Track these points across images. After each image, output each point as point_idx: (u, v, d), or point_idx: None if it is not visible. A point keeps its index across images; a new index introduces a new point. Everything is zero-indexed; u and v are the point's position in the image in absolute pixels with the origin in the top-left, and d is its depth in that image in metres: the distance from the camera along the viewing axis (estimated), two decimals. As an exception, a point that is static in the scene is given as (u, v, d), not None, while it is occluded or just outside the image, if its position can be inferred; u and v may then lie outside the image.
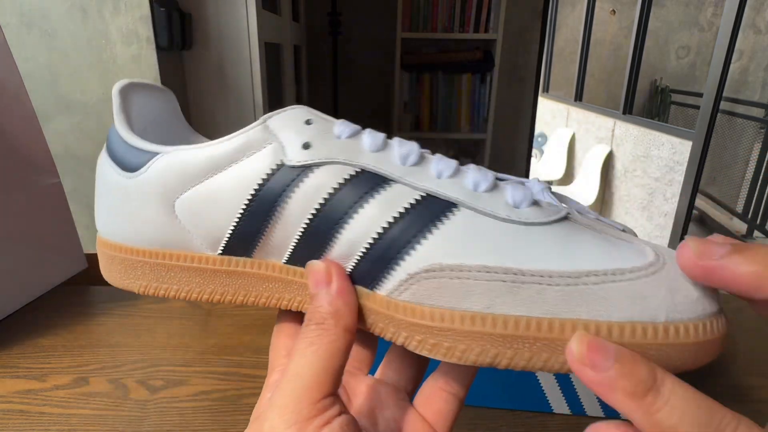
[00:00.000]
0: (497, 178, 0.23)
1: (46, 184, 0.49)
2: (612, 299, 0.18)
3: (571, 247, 0.19)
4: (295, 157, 0.21)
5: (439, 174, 0.21)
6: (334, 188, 0.21)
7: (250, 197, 0.22)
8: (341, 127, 0.22)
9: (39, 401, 0.37)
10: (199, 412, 0.37)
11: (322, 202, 0.21)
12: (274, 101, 1.35)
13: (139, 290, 0.25)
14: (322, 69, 2.48)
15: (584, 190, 3.41)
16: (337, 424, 0.19)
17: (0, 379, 0.40)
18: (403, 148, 0.22)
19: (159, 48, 0.92)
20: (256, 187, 0.21)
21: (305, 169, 0.21)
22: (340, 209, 0.21)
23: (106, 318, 0.48)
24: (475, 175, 0.21)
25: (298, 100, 1.98)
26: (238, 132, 0.22)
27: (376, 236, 0.20)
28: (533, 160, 4.27)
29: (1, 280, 0.46)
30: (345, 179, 0.21)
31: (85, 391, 0.38)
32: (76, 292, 0.53)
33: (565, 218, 0.20)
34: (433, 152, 0.23)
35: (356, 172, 0.21)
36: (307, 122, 0.22)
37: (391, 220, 0.20)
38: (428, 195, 0.20)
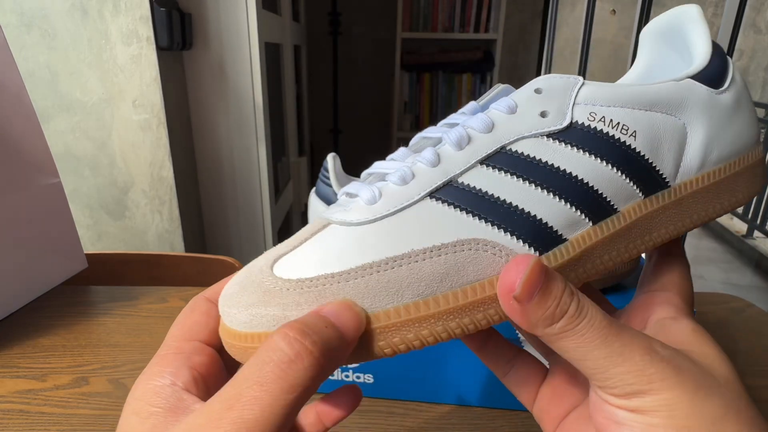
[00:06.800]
0: None
1: (46, 184, 0.49)
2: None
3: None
4: None
5: None
6: None
7: None
8: None
9: (39, 401, 0.37)
10: (199, 412, 0.37)
11: None
12: (274, 101, 1.34)
13: None
14: (322, 69, 2.48)
15: (584, 190, 3.41)
16: None
17: (0, 379, 0.40)
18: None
19: (159, 48, 0.92)
20: None
21: None
22: None
23: (106, 318, 0.48)
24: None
25: (298, 100, 1.98)
26: None
27: None
28: (533, 160, 4.27)
29: (1, 280, 0.46)
30: None
31: (85, 391, 0.38)
32: (76, 292, 0.53)
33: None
34: None
35: None
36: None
37: None
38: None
